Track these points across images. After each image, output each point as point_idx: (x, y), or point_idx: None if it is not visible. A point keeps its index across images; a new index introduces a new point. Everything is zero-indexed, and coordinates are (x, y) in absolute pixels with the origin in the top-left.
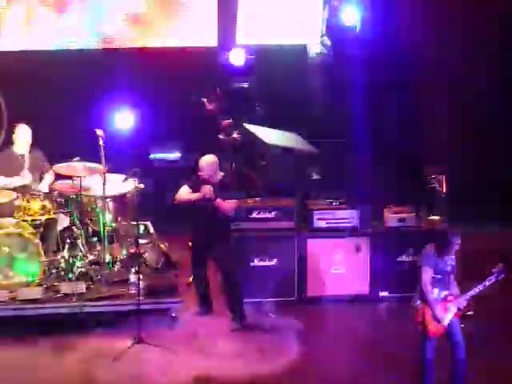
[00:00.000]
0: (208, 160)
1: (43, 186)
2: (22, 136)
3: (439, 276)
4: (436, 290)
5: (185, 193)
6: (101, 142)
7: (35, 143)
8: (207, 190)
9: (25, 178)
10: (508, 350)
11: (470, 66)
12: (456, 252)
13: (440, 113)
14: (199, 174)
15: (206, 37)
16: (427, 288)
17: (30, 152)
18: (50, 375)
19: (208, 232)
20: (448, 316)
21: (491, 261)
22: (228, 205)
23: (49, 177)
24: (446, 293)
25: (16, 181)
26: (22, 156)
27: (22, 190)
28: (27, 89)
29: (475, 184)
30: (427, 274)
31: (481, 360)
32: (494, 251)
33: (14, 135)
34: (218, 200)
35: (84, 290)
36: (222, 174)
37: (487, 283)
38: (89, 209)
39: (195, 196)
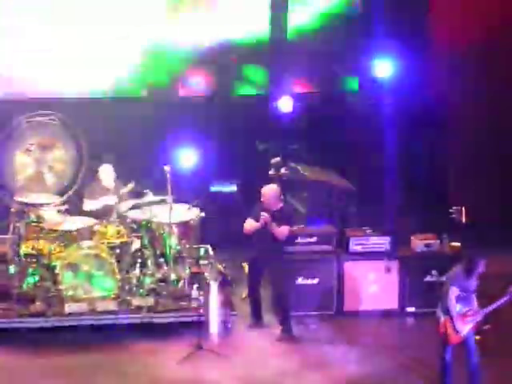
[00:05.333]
0: (270, 188)
1: (122, 208)
2: (105, 174)
3: (464, 294)
4: (459, 306)
5: (249, 224)
6: (168, 176)
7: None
8: (265, 219)
9: (108, 199)
10: None
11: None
12: (480, 273)
13: (463, 151)
14: (261, 200)
15: (259, 86)
16: (453, 305)
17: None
18: (122, 374)
19: (263, 254)
20: (466, 328)
21: (506, 282)
22: (282, 230)
23: (127, 203)
24: (467, 308)
25: (101, 202)
26: (108, 189)
27: (105, 208)
28: (107, 132)
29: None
30: (454, 293)
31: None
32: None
33: (98, 174)
34: (274, 226)
35: (153, 304)
36: (281, 204)
37: (502, 301)
38: (157, 233)
39: (257, 225)
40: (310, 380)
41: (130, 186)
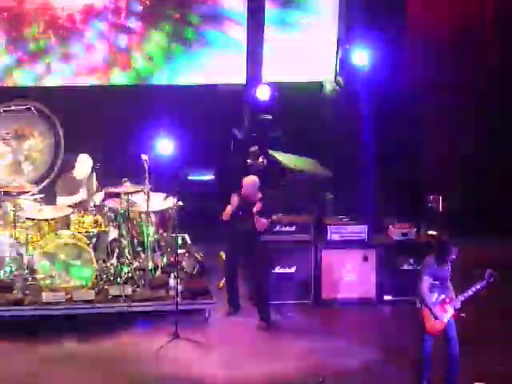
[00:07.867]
0: (250, 180)
1: (97, 199)
2: (83, 164)
3: (438, 282)
4: (435, 294)
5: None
6: (145, 166)
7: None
8: (234, 201)
9: (81, 195)
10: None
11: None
12: (453, 260)
13: (438, 139)
14: (241, 191)
15: (236, 75)
16: (426, 294)
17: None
18: (98, 364)
19: (241, 243)
20: (446, 315)
21: (482, 267)
22: (262, 223)
23: (100, 194)
24: (443, 296)
25: (75, 198)
26: (81, 180)
27: (79, 205)
28: (84, 121)
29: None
30: (426, 283)
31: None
32: (484, 260)
33: (76, 162)
34: (256, 216)
35: (130, 293)
36: (260, 195)
37: (478, 286)
38: (135, 222)
39: (228, 208)
40: (289, 369)
41: (101, 193)
